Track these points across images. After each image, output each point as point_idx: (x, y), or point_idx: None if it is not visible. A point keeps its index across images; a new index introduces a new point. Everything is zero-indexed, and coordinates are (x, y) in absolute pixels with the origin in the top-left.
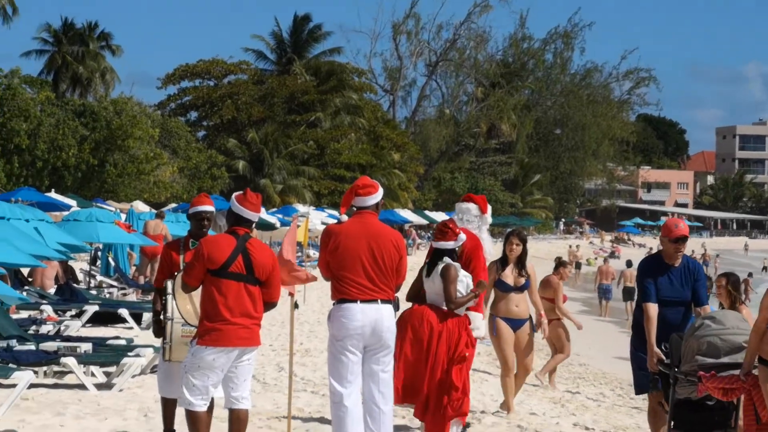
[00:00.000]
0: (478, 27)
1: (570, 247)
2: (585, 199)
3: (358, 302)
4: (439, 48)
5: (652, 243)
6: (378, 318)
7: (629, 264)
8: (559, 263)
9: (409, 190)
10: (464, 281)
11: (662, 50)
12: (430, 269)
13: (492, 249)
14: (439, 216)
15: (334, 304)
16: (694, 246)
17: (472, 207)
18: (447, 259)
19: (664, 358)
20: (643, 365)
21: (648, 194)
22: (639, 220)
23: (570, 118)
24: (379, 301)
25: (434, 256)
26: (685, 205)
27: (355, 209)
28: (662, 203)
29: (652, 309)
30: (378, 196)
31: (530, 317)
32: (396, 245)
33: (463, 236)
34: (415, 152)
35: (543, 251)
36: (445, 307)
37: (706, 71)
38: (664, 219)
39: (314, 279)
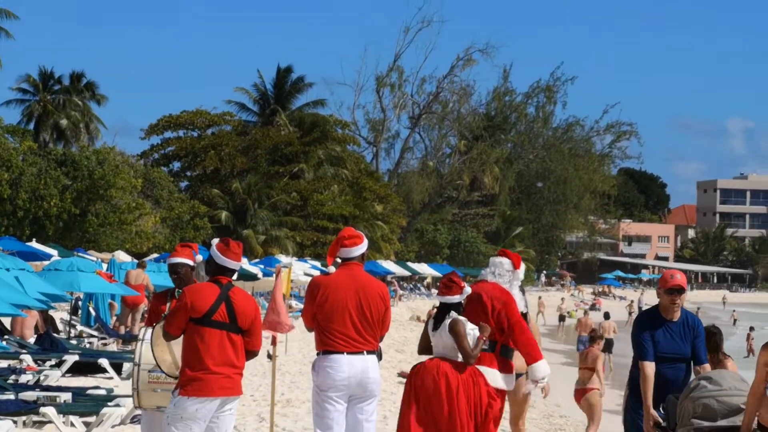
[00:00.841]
0: (461, 80)
1: (539, 298)
2: (566, 252)
3: (345, 354)
4: (422, 101)
5: (633, 296)
6: (364, 369)
7: (607, 316)
8: (594, 336)
9: (391, 242)
10: (471, 334)
11: (644, 104)
12: (436, 324)
13: (523, 306)
14: (422, 267)
15: (318, 354)
16: None
17: (505, 262)
18: (454, 314)
19: (660, 420)
20: (639, 428)
21: (629, 247)
22: (620, 273)
23: (552, 172)
24: (365, 352)
25: (440, 310)
26: (666, 259)
27: (339, 260)
28: (643, 256)
29: (649, 368)
30: (363, 246)
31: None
32: (382, 297)
33: (468, 289)
34: (397, 204)
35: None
36: (458, 359)
37: (687, 125)
38: (645, 272)
39: (292, 328)
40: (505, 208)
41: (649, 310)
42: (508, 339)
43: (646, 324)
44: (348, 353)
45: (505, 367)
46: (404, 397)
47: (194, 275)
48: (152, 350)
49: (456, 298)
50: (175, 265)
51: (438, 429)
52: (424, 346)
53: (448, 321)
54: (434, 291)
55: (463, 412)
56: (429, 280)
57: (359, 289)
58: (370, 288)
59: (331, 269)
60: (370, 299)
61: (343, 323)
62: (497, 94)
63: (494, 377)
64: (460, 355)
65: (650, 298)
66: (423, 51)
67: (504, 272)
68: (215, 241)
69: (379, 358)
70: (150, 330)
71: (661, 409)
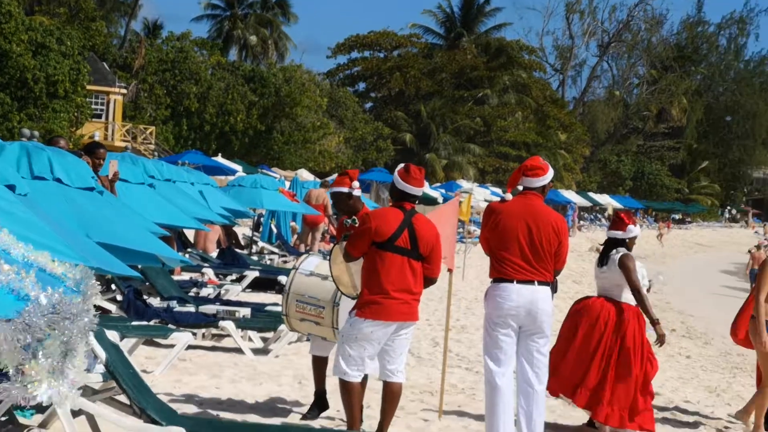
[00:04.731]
0: (653, 9)
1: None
2: (753, 188)
3: (515, 282)
4: (612, 28)
5: None
6: (533, 299)
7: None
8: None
9: (573, 171)
10: (641, 271)
11: None
12: (603, 259)
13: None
14: (603, 198)
15: (491, 282)
16: None
17: None
18: (622, 249)
19: None
20: None
21: None
22: None
23: (741, 106)
24: (536, 282)
25: (607, 245)
26: None
27: (520, 189)
28: None
29: None
30: (546, 178)
31: None
32: (556, 229)
33: (633, 229)
34: (582, 133)
35: (707, 239)
36: (621, 299)
37: None
38: None
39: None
40: (691, 141)
41: None
42: None
43: None
44: (518, 281)
45: None
46: (562, 330)
47: (378, 199)
48: (330, 269)
49: (619, 234)
50: (331, 194)
51: (585, 360)
52: None
53: (616, 256)
54: None
55: (610, 348)
56: (610, 211)
57: (530, 217)
58: (544, 218)
59: (508, 197)
60: (542, 230)
61: (512, 250)
62: (689, 25)
63: None
64: (623, 293)
65: None
66: None
67: None
68: (400, 166)
69: (554, 291)
70: (306, 258)
71: None
